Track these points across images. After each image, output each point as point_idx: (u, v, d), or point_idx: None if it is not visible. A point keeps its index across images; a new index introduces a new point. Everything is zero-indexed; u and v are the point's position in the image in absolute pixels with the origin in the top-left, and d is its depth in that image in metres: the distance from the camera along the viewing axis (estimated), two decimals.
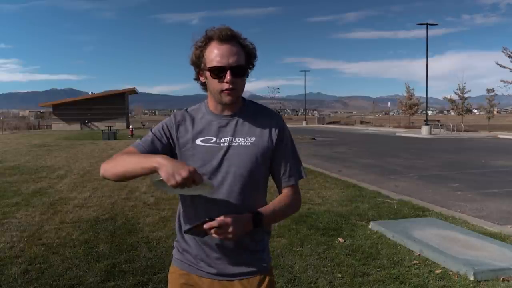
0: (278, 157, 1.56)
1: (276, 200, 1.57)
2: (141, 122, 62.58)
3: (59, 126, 47.03)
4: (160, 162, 1.27)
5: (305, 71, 70.75)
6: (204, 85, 1.54)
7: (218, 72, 1.43)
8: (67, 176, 10.03)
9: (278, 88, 75.03)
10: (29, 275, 3.87)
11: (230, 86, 1.44)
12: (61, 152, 16.63)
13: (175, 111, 1.69)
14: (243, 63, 1.46)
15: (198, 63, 1.49)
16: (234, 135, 1.51)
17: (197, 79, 1.55)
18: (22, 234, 5.17)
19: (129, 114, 63.92)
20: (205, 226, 1.34)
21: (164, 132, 1.53)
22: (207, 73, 1.47)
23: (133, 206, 6.66)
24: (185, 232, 1.44)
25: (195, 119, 1.56)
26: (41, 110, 79.11)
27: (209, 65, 1.45)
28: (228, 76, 1.43)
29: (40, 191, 8.04)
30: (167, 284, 1.73)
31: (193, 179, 1.24)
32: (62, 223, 5.69)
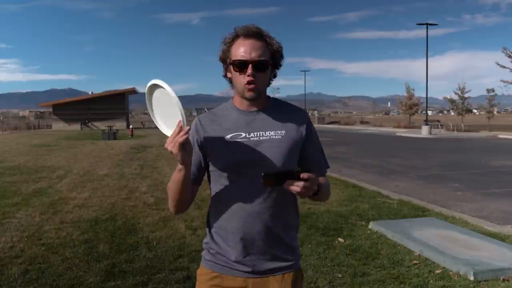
0: (310, 149, 1.60)
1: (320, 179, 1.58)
2: (141, 122, 62.52)
3: (59, 126, 47.00)
4: (176, 158, 1.41)
5: (305, 71, 70.81)
6: (230, 82, 1.57)
7: (240, 66, 1.48)
8: (67, 176, 10.04)
9: (278, 88, 74.75)
10: (29, 275, 3.87)
11: (251, 79, 1.47)
12: (61, 152, 16.63)
13: (200, 114, 1.73)
14: (266, 58, 1.49)
15: (225, 58, 1.53)
16: (264, 129, 1.53)
17: (225, 75, 1.58)
18: (22, 234, 5.17)
19: (129, 114, 63.87)
20: (302, 176, 1.33)
21: (192, 143, 1.53)
22: (231, 68, 1.51)
23: (133, 206, 6.66)
24: (263, 177, 1.36)
25: (221, 117, 1.58)
26: (41, 110, 79.08)
27: (233, 59, 1.49)
28: (249, 70, 1.46)
29: (40, 191, 8.04)
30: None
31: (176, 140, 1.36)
32: (62, 223, 5.69)
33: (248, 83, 1.48)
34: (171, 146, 1.36)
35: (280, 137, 1.52)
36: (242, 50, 1.47)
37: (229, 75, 1.55)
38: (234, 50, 1.50)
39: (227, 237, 1.53)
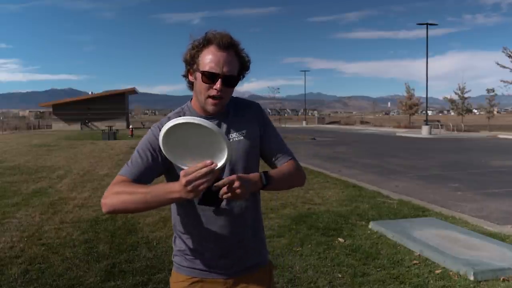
0: (268, 139, 1.61)
1: (280, 166, 1.59)
2: (141, 122, 62.56)
3: (59, 126, 47.01)
4: (179, 193, 1.26)
5: (305, 71, 70.65)
6: (190, 84, 1.53)
7: (210, 78, 1.42)
8: (67, 176, 10.04)
9: (278, 88, 74.76)
10: (29, 275, 3.87)
11: (219, 94, 1.43)
12: (61, 152, 16.63)
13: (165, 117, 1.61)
14: (236, 73, 1.46)
15: (191, 62, 1.48)
16: (228, 132, 1.53)
17: (186, 76, 1.53)
18: (22, 234, 5.17)
19: (129, 114, 63.89)
20: (216, 184, 1.29)
21: (151, 151, 1.46)
22: (198, 76, 1.45)
23: None
24: (199, 204, 1.36)
25: None
26: (41, 110, 79.07)
27: (202, 68, 1.43)
28: (218, 84, 1.42)
29: (40, 191, 8.04)
30: (167, 284, 1.73)
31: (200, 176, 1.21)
32: (62, 223, 5.69)
33: (214, 97, 1.44)
34: (193, 187, 1.22)
35: (242, 137, 1.53)
36: (213, 61, 1.41)
37: (191, 78, 1.50)
38: (204, 57, 1.43)
39: (205, 242, 1.55)
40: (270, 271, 1.69)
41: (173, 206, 1.60)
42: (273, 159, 1.62)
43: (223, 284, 1.57)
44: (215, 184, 1.29)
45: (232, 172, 1.49)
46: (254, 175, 1.42)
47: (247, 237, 1.58)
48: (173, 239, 1.65)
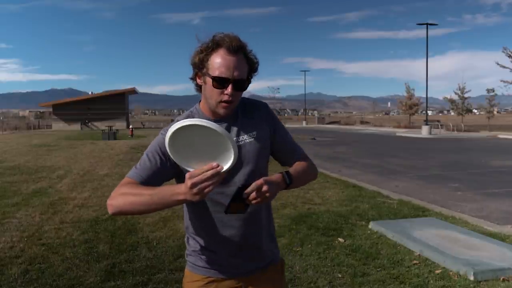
0: (280, 138, 1.63)
1: (295, 164, 1.60)
2: (141, 122, 62.58)
3: (59, 126, 47.02)
4: (184, 195, 1.23)
5: (305, 71, 70.69)
6: (199, 87, 1.52)
7: (221, 83, 1.41)
8: (67, 176, 10.04)
9: (278, 88, 74.81)
10: (29, 275, 3.87)
11: (230, 99, 1.43)
12: (61, 152, 16.63)
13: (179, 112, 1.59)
14: (245, 77, 1.46)
15: (200, 66, 1.46)
16: (238, 135, 1.52)
17: (193, 79, 1.52)
18: (22, 234, 5.17)
19: (129, 114, 63.89)
20: (246, 191, 1.29)
21: (160, 155, 1.46)
22: (209, 80, 1.44)
23: None
24: (225, 212, 1.35)
25: None
26: (41, 110, 79.06)
27: (212, 73, 1.42)
28: (229, 89, 1.41)
29: (40, 191, 8.04)
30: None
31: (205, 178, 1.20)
32: (62, 223, 5.69)
33: (226, 101, 1.43)
34: (199, 190, 1.20)
35: (253, 139, 1.53)
36: (224, 65, 1.40)
37: (199, 81, 1.49)
38: (214, 61, 1.42)
39: (219, 243, 1.56)
40: (282, 268, 1.72)
41: (185, 209, 1.60)
42: (287, 157, 1.64)
43: (237, 283, 1.59)
44: (245, 191, 1.30)
45: (247, 174, 1.50)
46: (277, 176, 1.43)
47: (260, 236, 1.59)
48: (185, 239, 1.66)
